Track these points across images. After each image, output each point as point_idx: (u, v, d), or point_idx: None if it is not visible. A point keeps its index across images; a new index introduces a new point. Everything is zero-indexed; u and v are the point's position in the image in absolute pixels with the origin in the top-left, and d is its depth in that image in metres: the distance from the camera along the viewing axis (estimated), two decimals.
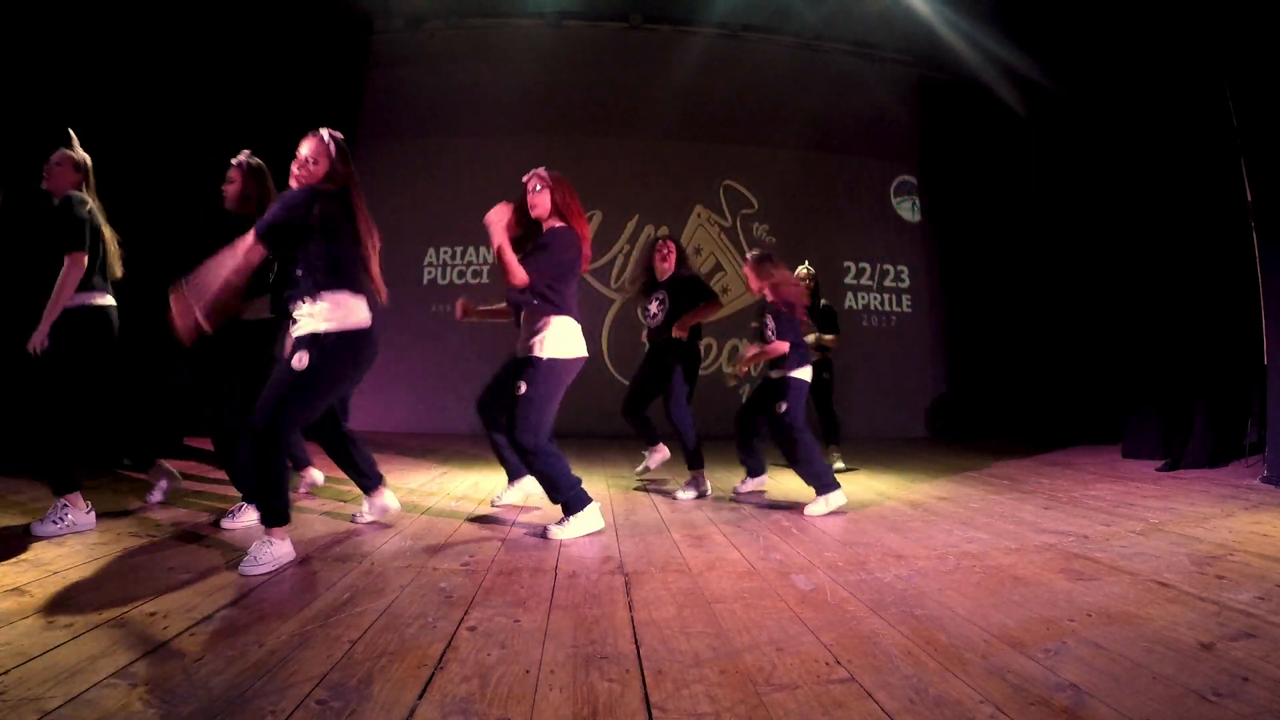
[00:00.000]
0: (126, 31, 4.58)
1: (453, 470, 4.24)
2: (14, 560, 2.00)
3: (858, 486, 3.89)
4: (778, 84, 7.51)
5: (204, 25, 5.34)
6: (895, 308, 7.77)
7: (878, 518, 2.97)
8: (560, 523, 2.62)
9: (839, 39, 7.61)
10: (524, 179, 2.81)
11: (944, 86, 7.70)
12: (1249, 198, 4.10)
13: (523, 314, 2.76)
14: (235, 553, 2.17)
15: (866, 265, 7.73)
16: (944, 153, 7.76)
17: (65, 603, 1.67)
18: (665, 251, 3.83)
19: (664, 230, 7.38)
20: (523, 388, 2.63)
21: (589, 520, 2.65)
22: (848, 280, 7.63)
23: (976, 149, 7.45)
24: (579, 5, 7.26)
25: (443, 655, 1.42)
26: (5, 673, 1.27)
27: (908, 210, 7.92)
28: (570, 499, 2.64)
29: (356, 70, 7.08)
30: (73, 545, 2.19)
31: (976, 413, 7.28)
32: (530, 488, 3.22)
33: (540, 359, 2.65)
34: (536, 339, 2.67)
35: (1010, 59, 6.41)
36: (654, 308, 3.80)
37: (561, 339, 2.70)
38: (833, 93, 7.62)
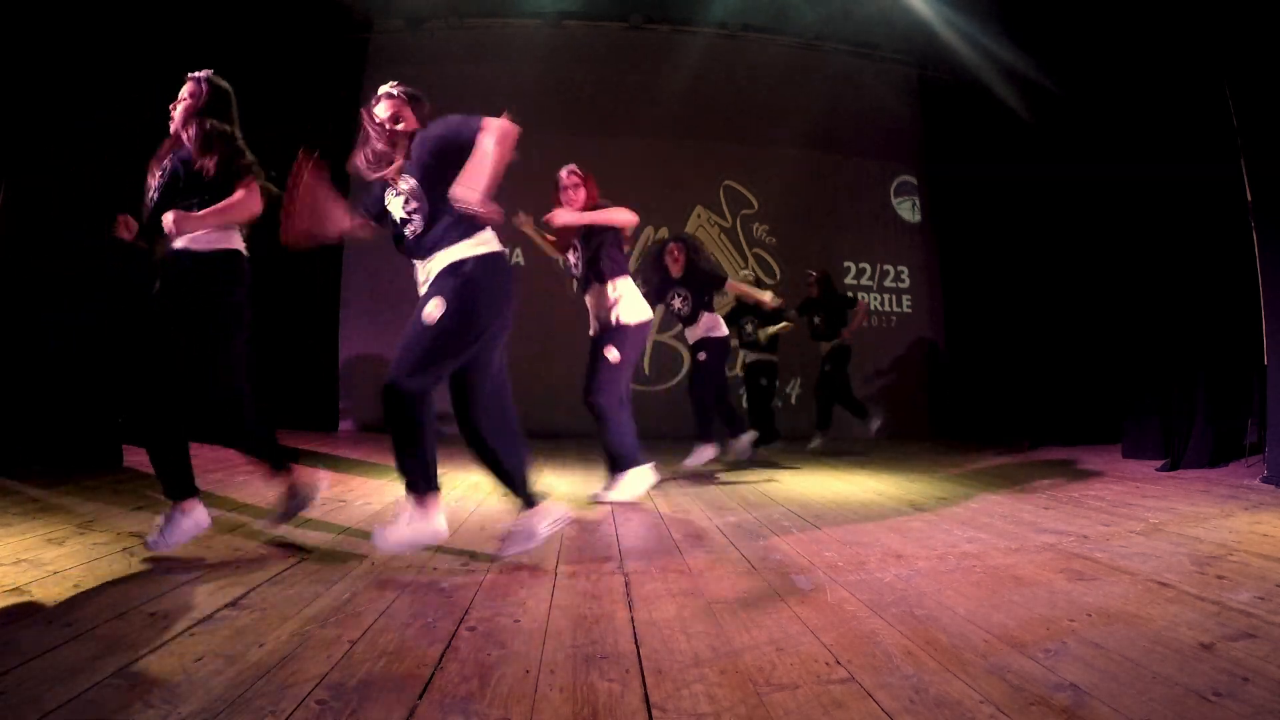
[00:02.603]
0: (122, 29, 4.58)
1: (453, 470, 4.23)
2: (14, 560, 2.00)
3: (857, 486, 3.89)
4: (778, 84, 7.51)
5: (200, 25, 5.34)
6: (895, 308, 7.77)
7: (878, 518, 2.97)
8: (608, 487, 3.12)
9: (839, 39, 7.60)
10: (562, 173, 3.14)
11: (945, 86, 7.70)
12: (1249, 198, 4.09)
13: (592, 287, 3.17)
14: (236, 552, 2.18)
15: (866, 265, 7.73)
16: (944, 153, 7.76)
17: (65, 603, 1.67)
18: (676, 254, 4.44)
19: (664, 232, 7.39)
20: (614, 354, 3.08)
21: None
22: (848, 280, 7.63)
23: (977, 149, 7.45)
24: (578, 5, 7.24)
25: (443, 655, 1.42)
26: (5, 673, 1.27)
27: (908, 211, 7.92)
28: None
29: (355, 70, 7.08)
30: (72, 545, 2.19)
31: (976, 413, 7.28)
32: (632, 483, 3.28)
33: (627, 325, 3.11)
34: (616, 307, 3.14)
35: (1011, 59, 6.41)
36: (677, 304, 4.50)
37: (637, 302, 3.20)
38: (833, 93, 7.62)
